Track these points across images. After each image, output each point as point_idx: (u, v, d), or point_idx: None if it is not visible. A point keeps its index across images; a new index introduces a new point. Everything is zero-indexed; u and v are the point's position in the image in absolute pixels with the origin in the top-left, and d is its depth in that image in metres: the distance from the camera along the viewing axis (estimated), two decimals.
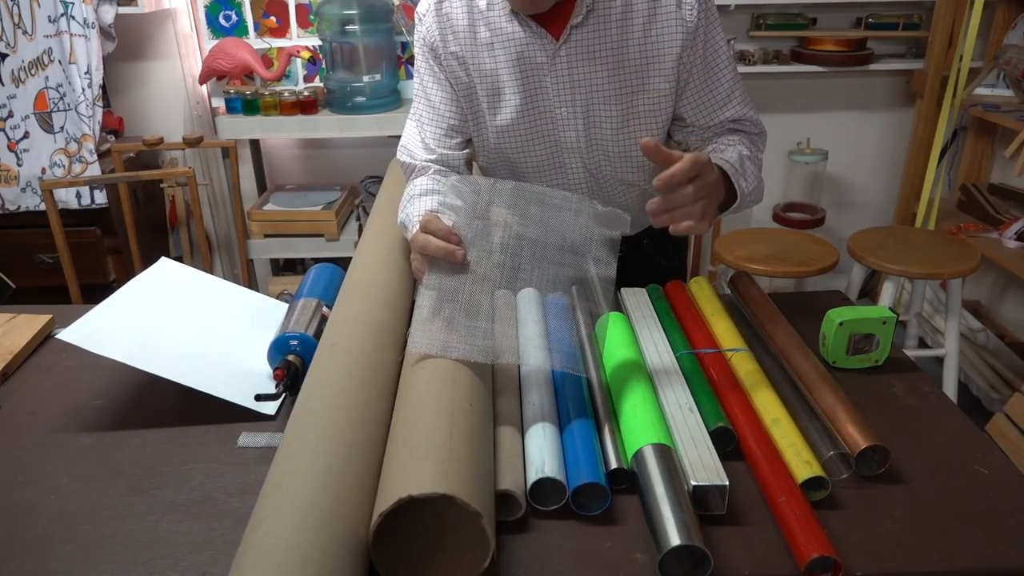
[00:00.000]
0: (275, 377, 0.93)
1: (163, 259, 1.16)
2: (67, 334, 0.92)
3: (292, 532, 0.60)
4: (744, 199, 1.04)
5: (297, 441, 0.71)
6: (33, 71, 2.32)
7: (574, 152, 1.13)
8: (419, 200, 1.05)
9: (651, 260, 1.31)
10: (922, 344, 2.67)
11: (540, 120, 1.11)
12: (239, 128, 2.47)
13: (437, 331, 0.84)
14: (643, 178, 1.16)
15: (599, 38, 1.04)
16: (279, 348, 0.97)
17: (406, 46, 2.57)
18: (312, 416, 0.74)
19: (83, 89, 2.31)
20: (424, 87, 1.15)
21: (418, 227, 0.94)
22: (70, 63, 2.30)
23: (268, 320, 1.10)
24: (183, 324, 1.04)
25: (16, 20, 2.28)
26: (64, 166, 2.37)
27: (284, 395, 0.94)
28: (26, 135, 2.35)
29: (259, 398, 0.91)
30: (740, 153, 1.05)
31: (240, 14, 2.57)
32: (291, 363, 0.95)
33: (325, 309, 1.05)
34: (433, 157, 1.15)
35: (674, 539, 0.65)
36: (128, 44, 2.56)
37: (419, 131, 1.17)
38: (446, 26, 1.09)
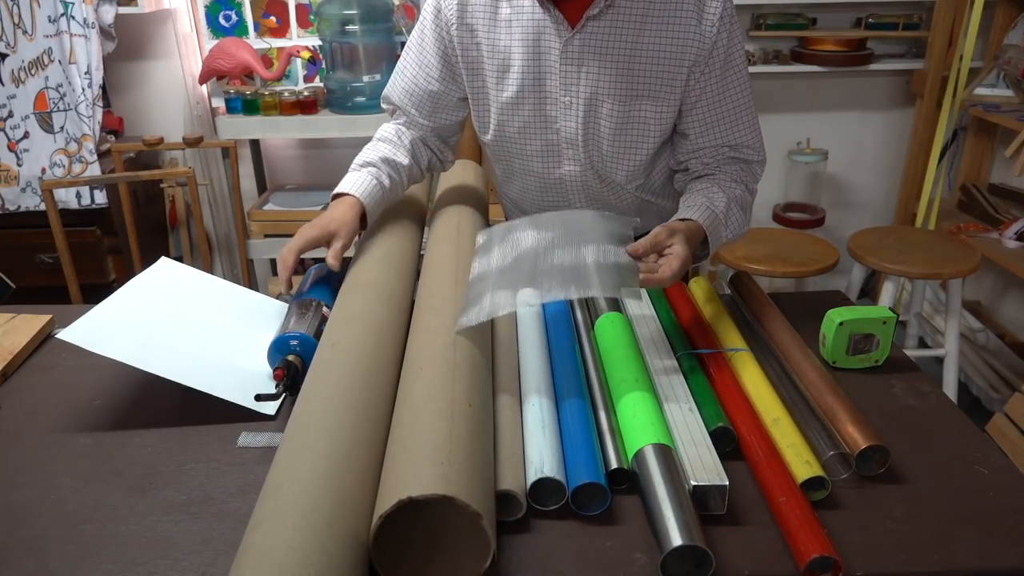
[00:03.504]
0: (275, 377, 0.93)
1: (163, 259, 1.16)
2: (67, 334, 0.92)
3: (293, 532, 0.60)
4: (716, 247, 1.06)
5: (297, 441, 0.71)
6: (33, 71, 2.32)
7: (571, 143, 1.13)
8: (360, 172, 1.14)
9: None
10: (922, 344, 2.67)
11: (542, 104, 1.11)
12: (239, 128, 2.47)
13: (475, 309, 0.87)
14: (634, 183, 1.16)
15: (614, 34, 1.05)
16: (279, 348, 0.97)
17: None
18: (312, 416, 0.74)
19: (83, 89, 2.31)
20: (423, 45, 1.16)
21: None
22: (70, 63, 2.30)
23: (268, 320, 1.10)
24: (183, 324, 1.04)
25: (16, 20, 2.28)
26: (64, 166, 2.37)
27: (284, 395, 0.94)
28: (26, 135, 2.35)
29: (259, 398, 0.91)
30: (730, 198, 1.06)
31: (240, 14, 2.57)
32: (291, 363, 0.95)
33: (325, 309, 1.05)
34: (404, 106, 1.20)
35: (676, 539, 0.65)
36: (128, 44, 2.56)
37: (402, 77, 1.20)
38: None
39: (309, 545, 0.59)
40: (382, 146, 1.19)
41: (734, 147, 1.12)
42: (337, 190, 1.13)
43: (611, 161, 1.13)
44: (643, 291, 1.15)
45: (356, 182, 1.13)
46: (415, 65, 1.18)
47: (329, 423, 0.73)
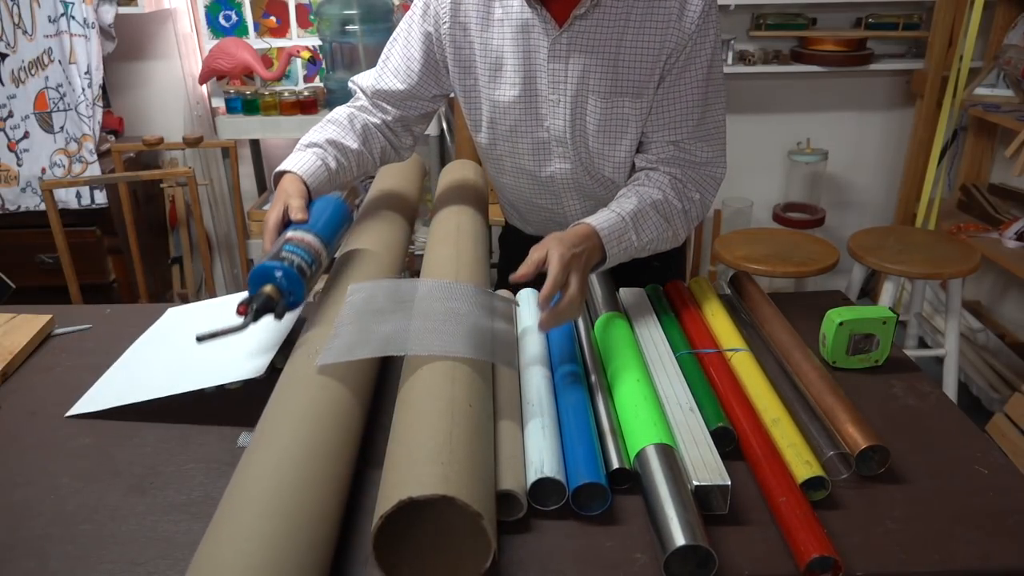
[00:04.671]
0: (238, 313, 0.84)
1: (169, 309, 1.18)
2: (79, 408, 0.94)
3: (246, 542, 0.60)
4: (631, 253, 1.04)
5: (262, 447, 0.71)
6: (33, 71, 2.32)
7: (559, 141, 1.14)
8: (305, 152, 1.10)
9: (644, 262, 1.30)
10: (922, 344, 2.67)
11: (532, 104, 1.12)
12: (239, 128, 2.48)
13: (343, 343, 0.84)
14: (622, 178, 1.16)
15: (599, 31, 1.05)
16: (264, 276, 0.88)
17: None
18: (277, 425, 0.74)
19: (83, 89, 2.31)
20: (409, 39, 1.16)
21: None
22: (70, 63, 2.30)
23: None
24: (179, 353, 1.04)
25: (16, 20, 2.28)
26: (64, 166, 2.37)
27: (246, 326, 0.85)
28: (26, 135, 2.35)
29: (201, 338, 0.82)
30: (644, 202, 1.04)
31: (240, 14, 2.57)
32: (262, 295, 0.86)
33: (289, 233, 0.96)
34: (371, 93, 1.20)
35: (679, 539, 0.65)
36: (128, 44, 2.56)
37: (383, 67, 1.19)
38: None
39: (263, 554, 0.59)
40: (331, 128, 1.15)
41: (676, 144, 1.09)
42: (280, 168, 1.08)
43: (597, 158, 1.14)
44: (642, 291, 1.15)
45: (300, 161, 1.08)
46: (399, 57, 1.18)
47: (295, 432, 0.72)
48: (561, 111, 1.10)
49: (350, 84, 1.24)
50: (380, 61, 1.21)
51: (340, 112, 1.19)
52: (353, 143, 1.16)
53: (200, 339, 0.83)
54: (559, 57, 1.07)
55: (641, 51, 1.05)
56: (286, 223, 0.99)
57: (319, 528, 0.64)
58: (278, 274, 0.87)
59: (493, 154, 1.22)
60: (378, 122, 1.21)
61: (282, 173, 1.08)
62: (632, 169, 1.16)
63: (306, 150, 1.11)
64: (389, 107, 1.20)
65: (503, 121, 1.15)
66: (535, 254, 0.93)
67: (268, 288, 0.86)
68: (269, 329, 1.01)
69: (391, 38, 1.20)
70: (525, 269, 0.91)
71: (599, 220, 1.01)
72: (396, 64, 1.18)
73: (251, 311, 0.84)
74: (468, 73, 1.14)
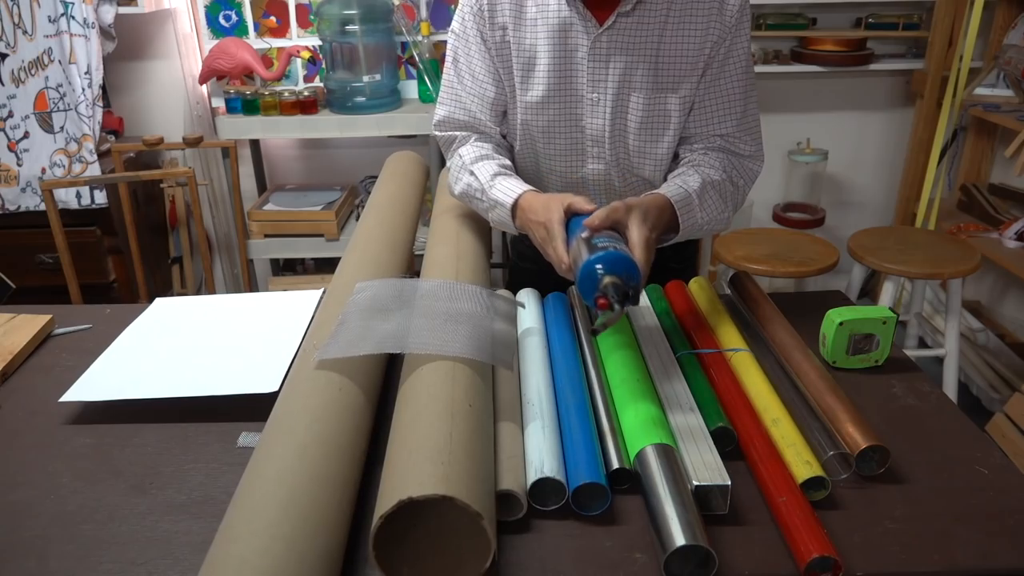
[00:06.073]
0: (599, 306, 0.81)
1: (157, 300, 1.17)
2: (71, 395, 0.93)
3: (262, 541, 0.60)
4: (694, 230, 1.04)
5: (281, 444, 0.71)
6: (33, 71, 2.32)
7: (596, 141, 1.13)
8: (510, 178, 1.09)
9: (664, 264, 1.30)
10: (922, 344, 2.67)
11: (568, 103, 1.11)
12: (239, 128, 2.47)
13: (343, 340, 0.84)
14: (659, 177, 1.16)
15: (642, 29, 1.05)
16: (591, 275, 0.83)
17: (406, 46, 2.57)
18: (286, 423, 0.74)
19: (83, 89, 2.31)
20: (469, 54, 1.14)
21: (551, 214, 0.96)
22: (70, 63, 2.29)
23: (290, 314, 1.09)
24: (185, 350, 1.04)
25: (16, 20, 2.28)
26: (64, 166, 2.37)
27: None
28: (26, 135, 2.35)
29: (594, 332, 0.81)
30: (706, 180, 1.04)
31: (240, 14, 2.57)
32: (608, 286, 0.81)
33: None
34: (474, 122, 1.17)
35: (679, 539, 0.65)
36: (128, 44, 2.56)
37: (462, 91, 1.16)
38: None
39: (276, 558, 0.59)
40: (491, 161, 1.13)
41: (724, 137, 1.11)
42: (510, 199, 1.06)
43: (636, 156, 1.13)
44: (642, 292, 1.15)
45: (520, 183, 1.08)
46: (469, 77, 1.15)
47: (300, 435, 0.72)
48: (601, 110, 1.10)
49: (440, 131, 1.20)
50: (449, 88, 1.17)
51: (468, 153, 1.15)
52: (507, 158, 1.16)
53: (594, 332, 0.83)
54: (599, 55, 1.07)
55: (683, 45, 1.05)
56: (568, 221, 0.96)
57: (334, 533, 0.65)
58: (600, 268, 0.82)
59: (525, 155, 1.20)
60: (497, 142, 1.19)
61: (514, 203, 1.06)
62: (669, 167, 1.16)
63: (508, 175, 1.10)
64: (495, 126, 1.17)
65: (536, 122, 1.14)
66: (620, 214, 0.88)
67: (607, 280, 0.81)
68: (279, 339, 1.02)
69: (449, 61, 1.17)
70: (601, 219, 0.87)
71: (674, 194, 1.00)
72: (470, 87, 1.15)
73: (612, 302, 0.80)
74: (507, 74, 1.14)
